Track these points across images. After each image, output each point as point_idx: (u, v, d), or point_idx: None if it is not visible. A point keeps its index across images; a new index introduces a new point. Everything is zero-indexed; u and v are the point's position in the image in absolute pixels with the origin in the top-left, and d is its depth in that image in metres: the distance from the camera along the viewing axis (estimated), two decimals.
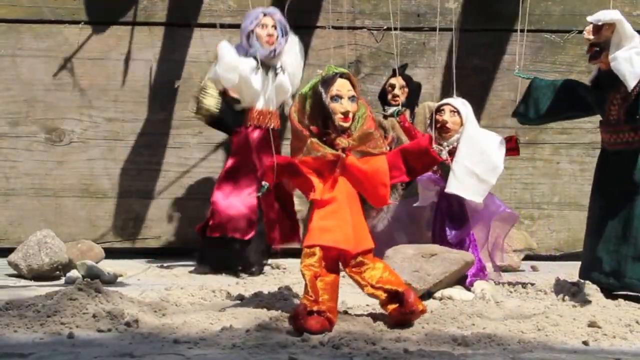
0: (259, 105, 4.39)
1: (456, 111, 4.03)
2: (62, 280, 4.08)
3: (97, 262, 4.31)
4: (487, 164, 3.95)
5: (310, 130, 3.10)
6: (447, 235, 3.99)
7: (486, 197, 4.01)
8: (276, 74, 4.36)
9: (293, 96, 4.28)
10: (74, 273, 4.10)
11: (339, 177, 3.12)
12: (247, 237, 4.37)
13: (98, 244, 4.64)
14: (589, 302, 3.43)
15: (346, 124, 3.10)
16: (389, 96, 4.51)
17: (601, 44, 3.61)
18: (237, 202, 4.38)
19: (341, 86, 3.10)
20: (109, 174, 5.04)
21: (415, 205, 4.11)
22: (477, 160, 3.95)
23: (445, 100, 4.11)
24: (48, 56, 5.01)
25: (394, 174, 3.17)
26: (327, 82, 3.10)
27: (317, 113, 3.10)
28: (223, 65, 4.22)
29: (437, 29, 4.48)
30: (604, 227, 3.66)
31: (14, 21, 5.00)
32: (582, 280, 3.64)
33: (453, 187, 3.93)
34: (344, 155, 3.10)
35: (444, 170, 4.01)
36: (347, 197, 3.12)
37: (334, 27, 5.02)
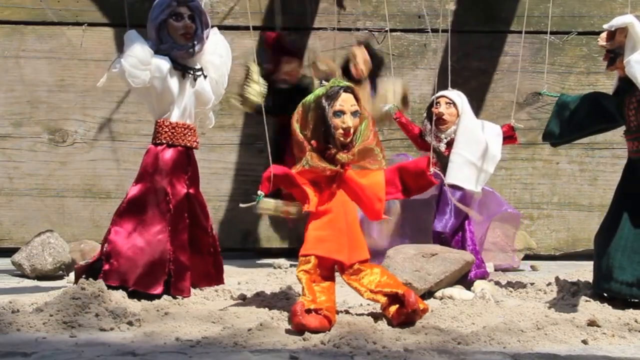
0: (173, 117, 3.48)
1: (452, 103, 4.06)
2: (65, 280, 4.10)
3: None
4: (485, 154, 3.98)
5: (310, 144, 3.10)
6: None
7: (489, 195, 4.02)
8: (195, 79, 3.49)
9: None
10: None
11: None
12: (155, 292, 3.41)
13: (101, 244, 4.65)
14: (589, 301, 3.45)
15: (346, 140, 3.10)
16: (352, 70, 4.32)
17: (616, 50, 3.44)
18: (141, 243, 3.42)
19: (344, 101, 3.07)
20: (112, 174, 5.05)
21: (415, 197, 4.08)
22: (474, 150, 3.99)
23: (440, 93, 4.13)
24: (51, 57, 5.03)
25: (389, 190, 3.19)
26: (331, 96, 3.07)
27: (319, 127, 3.08)
28: (132, 59, 3.37)
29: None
30: (627, 238, 3.43)
31: (18, 23, 5.02)
32: (605, 294, 3.48)
33: (452, 177, 3.94)
34: (342, 171, 3.12)
35: (443, 162, 4.02)
36: (344, 208, 3.14)
37: (336, 29, 5.05)
